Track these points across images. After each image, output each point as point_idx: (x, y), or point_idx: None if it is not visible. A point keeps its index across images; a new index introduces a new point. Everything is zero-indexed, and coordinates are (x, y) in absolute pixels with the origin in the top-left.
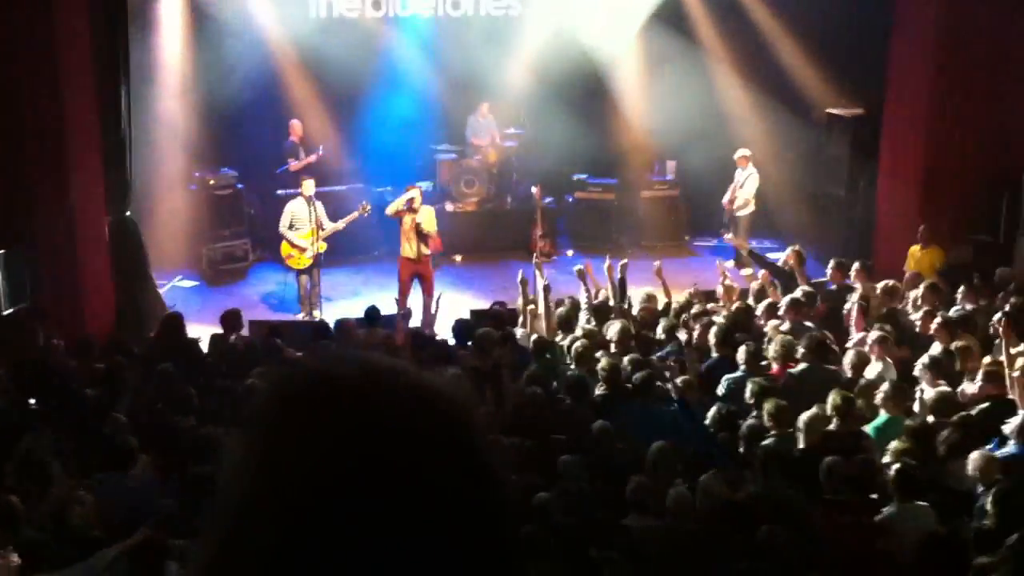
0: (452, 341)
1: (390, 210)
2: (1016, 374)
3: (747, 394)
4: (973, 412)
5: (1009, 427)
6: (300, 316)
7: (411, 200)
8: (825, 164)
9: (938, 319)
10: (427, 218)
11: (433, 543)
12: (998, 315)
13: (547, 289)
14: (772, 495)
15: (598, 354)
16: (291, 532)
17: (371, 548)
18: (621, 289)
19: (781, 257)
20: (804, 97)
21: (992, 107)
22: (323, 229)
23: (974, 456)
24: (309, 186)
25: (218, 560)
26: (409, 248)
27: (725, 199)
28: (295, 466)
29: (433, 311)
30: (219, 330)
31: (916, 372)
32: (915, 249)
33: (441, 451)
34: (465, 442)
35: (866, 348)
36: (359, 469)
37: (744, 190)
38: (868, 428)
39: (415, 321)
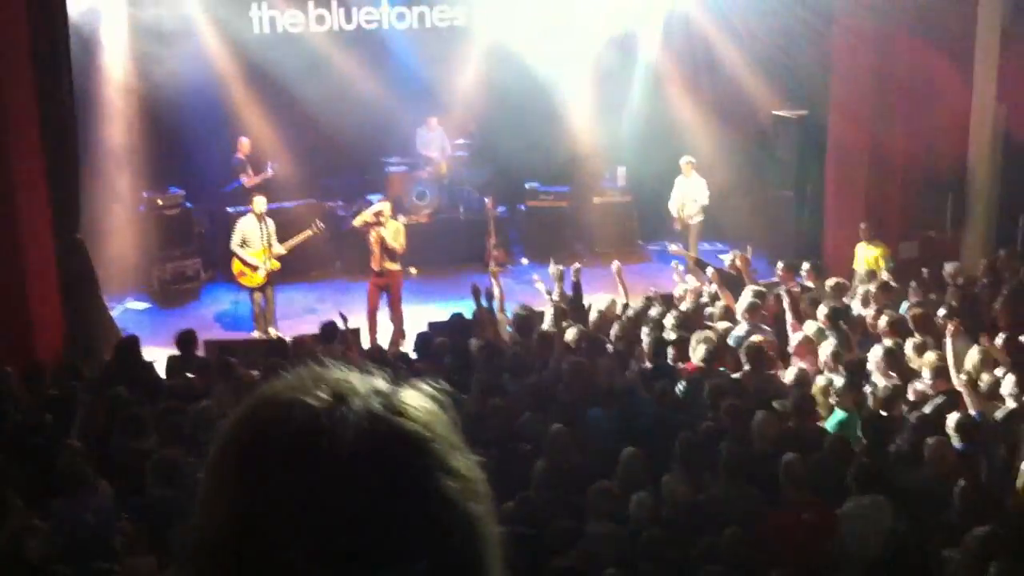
0: (414, 356)
1: (358, 221)
2: (963, 376)
3: (705, 394)
4: (927, 409)
5: (950, 423)
6: (255, 334)
7: (379, 213)
8: (772, 166)
9: (885, 317)
10: (393, 232)
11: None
12: (942, 311)
13: (501, 298)
14: (733, 496)
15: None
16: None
17: None
18: (576, 293)
19: (727, 260)
20: (749, 100)
21: (934, 104)
22: (273, 248)
23: (930, 442)
24: (260, 203)
25: None
26: (374, 262)
27: (673, 209)
28: (259, 508)
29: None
30: (174, 352)
31: (869, 366)
32: (861, 246)
33: (406, 487)
34: (428, 473)
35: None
36: (320, 508)
37: (696, 197)
38: (827, 424)
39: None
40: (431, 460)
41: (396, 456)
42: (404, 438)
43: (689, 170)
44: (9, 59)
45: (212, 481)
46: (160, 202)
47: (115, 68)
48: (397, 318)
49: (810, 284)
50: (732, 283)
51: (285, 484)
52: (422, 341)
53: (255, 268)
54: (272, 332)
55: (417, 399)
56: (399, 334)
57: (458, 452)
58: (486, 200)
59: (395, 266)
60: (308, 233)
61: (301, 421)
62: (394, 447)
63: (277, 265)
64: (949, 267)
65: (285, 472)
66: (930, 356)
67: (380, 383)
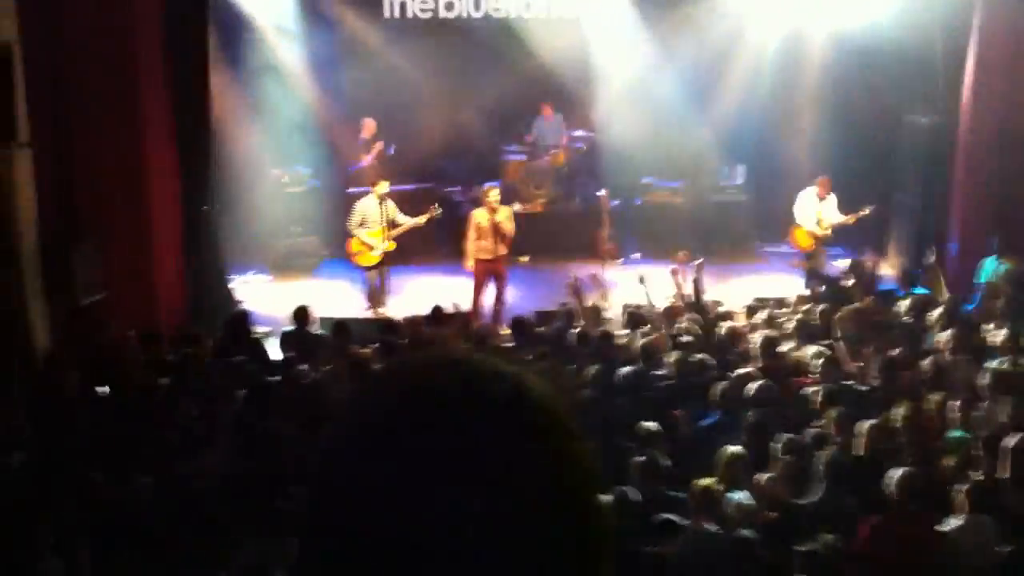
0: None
1: (477, 229)
2: None
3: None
4: None
5: None
6: (368, 313)
7: (489, 202)
8: (898, 171)
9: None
10: (505, 217)
11: (528, 551)
12: None
13: (604, 293)
14: (834, 503)
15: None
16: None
17: (474, 553)
18: (696, 291)
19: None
20: (877, 103)
21: None
22: (395, 227)
23: None
24: (383, 186)
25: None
26: (486, 248)
27: (807, 224)
28: (389, 488)
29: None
30: (289, 326)
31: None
32: (989, 260)
33: (535, 461)
34: (554, 463)
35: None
36: (451, 484)
37: (832, 218)
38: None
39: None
40: (557, 448)
41: (524, 444)
42: (533, 424)
43: (826, 191)
44: (142, 30)
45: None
46: (286, 179)
47: (265, 42)
48: (501, 305)
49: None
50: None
51: (411, 457)
52: (517, 325)
53: (371, 248)
54: (383, 311)
55: (542, 384)
56: (499, 321)
57: (580, 441)
58: (601, 192)
59: (505, 251)
60: (427, 216)
61: (436, 386)
62: (524, 434)
63: (393, 246)
64: None
65: (419, 433)
66: None
67: (508, 365)
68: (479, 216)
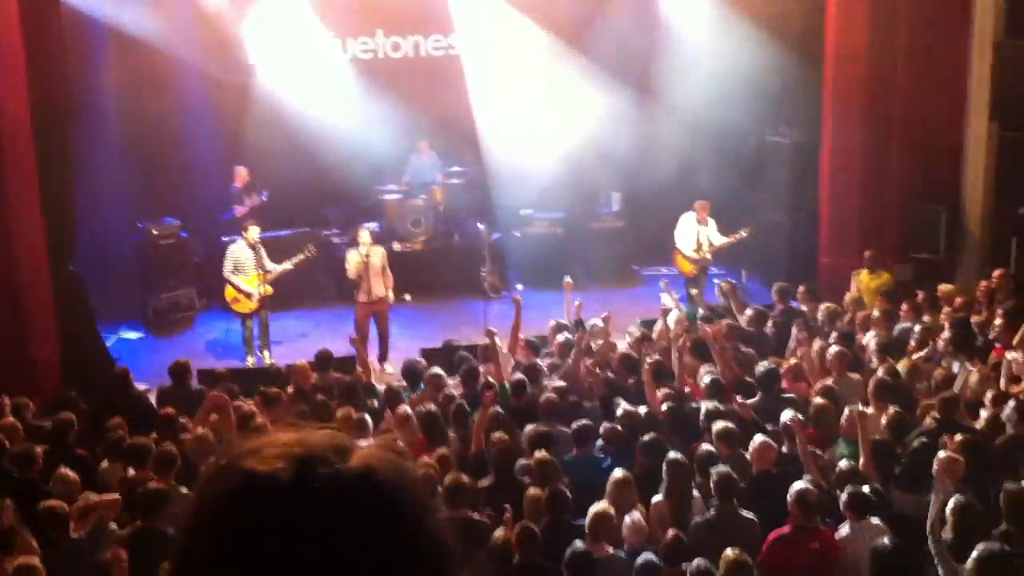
0: (402, 382)
1: (352, 270)
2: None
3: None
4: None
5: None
6: (248, 362)
7: (360, 244)
8: (766, 190)
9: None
10: (378, 257)
11: None
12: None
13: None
14: (731, 520)
15: None
16: None
17: None
18: (578, 327)
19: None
20: (741, 124)
21: (928, 126)
22: (268, 269)
23: (941, 455)
24: (254, 232)
25: None
26: (364, 290)
27: (687, 250)
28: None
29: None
30: (167, 382)
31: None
32: (863, 274)
33: (379, 553)
34: (401, 538)
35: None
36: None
37: (713, 240)
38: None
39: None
40: (395, 522)
41: (360, 523)
42: (368, 503)
43: (705, 214)
44: (6, 87)
45: (187, 558)
46: (155, 232)
47: (112, 95)
48: (384, 342)
49: (803, 308)
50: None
51: (247, 562)
52: (409, 369)
53: (249, 295)
54: (266, 356)
55: (382, 453)
56: (383, 357)
57: (424, 509)
58: (480, 226)
59: (383, 292)
60: (301, 257)
61: (262, 496)
62: (358, 513)
63: (270, 291)
64: (943, 288)
65: (247, 551)
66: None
67: (345, 440)
68: (351, 258)
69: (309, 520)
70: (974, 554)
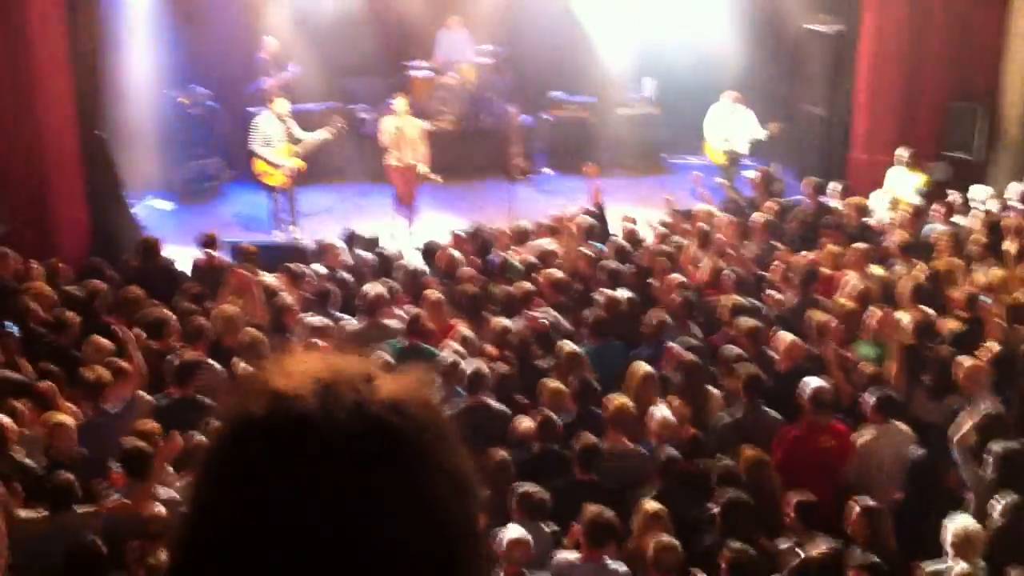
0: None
1: (385, 137)
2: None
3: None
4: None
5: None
6: (276, 235)
7: (395, 111)
8: (804, 81)
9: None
10: (411, 127)
11: None
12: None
13: None
14: (757, 418)
15: None
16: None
17: None
18: (600, 218)
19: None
20: (781, 11)
21: (969, 24)
22: (300, 142)
23: (967, 364)
24: (283, 104)
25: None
26: (395, 156)
27: (716, 143)
28: (246, 513)
29: None
30: (195, 252)
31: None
32: (900, 170)
33: (394, 489)
34: (416, 473)
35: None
36: (304, 512)
37: (748, 132)
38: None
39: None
40: (420, 458)
41: (384, 456)
42: (394, 435)
43: (734, 104)
44: None
45: (202, 483)
46: (184, 100)
47: None
48: (412, 212)
49: (837, 204)
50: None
51: (270, 487)
52: (428, 250)
53: (278, 167)
54: (294, 230)
55: (410, 385)
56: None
57: (450, 445)
58: (510, 108)
59: (414, 160)
60: (331, 130)
61: (287, 420)
62: (383, 446)
63: (302, 164)
64: (974, 191)
65: (271, 476)
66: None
67: (373, 367)
68: (387, 124)
69: (333, 449)
70: (993, 450)
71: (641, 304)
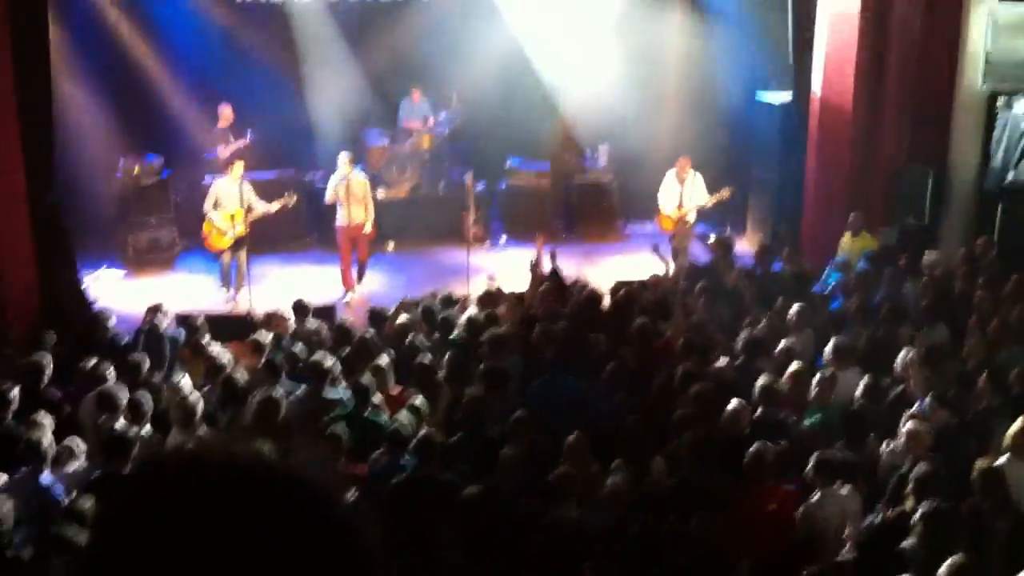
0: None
1: (329, 196)
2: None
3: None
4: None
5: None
6: (225, 297)
7: (345, 179)
8: (755, 148)
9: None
10: (357, 183)
11: None
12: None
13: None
14: (700, 482)
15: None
16: None
17: None
18: (556, 276)
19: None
20: (732, 81)
21: (919, 89)
22: (252, 210)
23: (907, 427)
24: (238, 168)
25: None
26: (342, 215)
27: (668, 209)
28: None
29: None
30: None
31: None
32: (846, 237)
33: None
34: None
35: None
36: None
37: (697, 199)
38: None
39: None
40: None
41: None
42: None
43: (687, 169)
44: None
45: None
46: (137, 169)
47: (95, 28)
48: (361, 269)
49: (787, 268)
50: (709, 275)
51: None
52: (373, 316)
53: (223, 231)
54: (242, 295)
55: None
56: (359, 278)
57: (357, 534)
58: (466, 176)
59: (362, 219)
60: (282, 201)
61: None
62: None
63: (245, 230)
64: (928, 257)
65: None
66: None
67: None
68: (331, 182)
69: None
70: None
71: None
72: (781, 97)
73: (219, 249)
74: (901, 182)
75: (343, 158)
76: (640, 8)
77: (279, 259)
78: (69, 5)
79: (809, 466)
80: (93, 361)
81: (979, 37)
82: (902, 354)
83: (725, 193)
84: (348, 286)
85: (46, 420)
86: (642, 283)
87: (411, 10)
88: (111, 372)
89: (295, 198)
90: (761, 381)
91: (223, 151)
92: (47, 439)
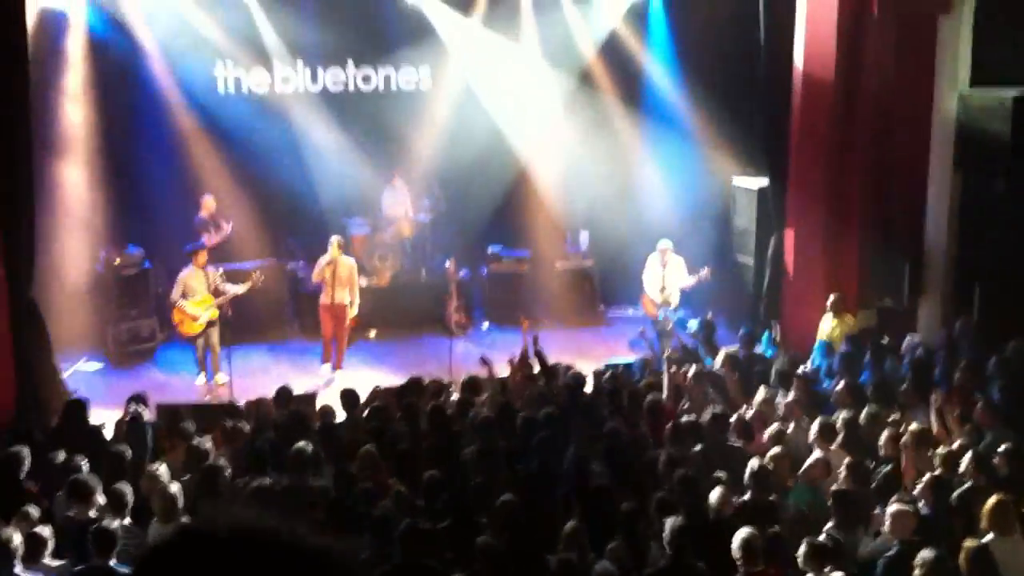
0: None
1: (316, 276)
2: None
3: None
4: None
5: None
6: (199, 380)
7: (331, 262)
8: (735, 232)
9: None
10: (344, 266)
11: None
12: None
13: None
14: (683, 570)
15: None
16: None
17: None
18: (541, 361)
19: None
20: (710, 167)
21: (892, 172)
22: (222, 294)
23: (892, 510)
24: (202, 257)
25: None
26: (326, 294)
27: (652, 293)
28: None
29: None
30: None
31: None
32: (826, 318)
33: None
34: None
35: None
36: None
37: (678, 283)
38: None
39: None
40: None
41: None
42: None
43: (667, 253)
44: None
45: None
46: (118, 261)
47: (75, 121)
48: (340, 349)
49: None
50: (691, 357)
51: None
52: (346, 399)
53: (194, 318)
54: (220, 379)
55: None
56: (337, 365)
57: None
58: (447, 263)
59: (346, 300)
60: (249, 283)
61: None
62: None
63: (215, 314)
64: (908, 340)
65: None
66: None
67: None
68: (319, 263)
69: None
70: None
71: None
72: (758, 183)
73: (192, 335)
74: (878, 265)
75: (334, 241)
76: (615, 108)
77: (261, 348)
78: (47, 100)
79: (800, 551)
80: (63, 455)
81: (949, 123)
82: (885, 434)
83: (705, 273)
84: (328, 360)
85: (34, 511)
86: (627, 366)
87: (391, 99)
88: (84, 464)
89: (262, 277)
90: (752, 464)
91: (209, 240)
92: (19, 535)
